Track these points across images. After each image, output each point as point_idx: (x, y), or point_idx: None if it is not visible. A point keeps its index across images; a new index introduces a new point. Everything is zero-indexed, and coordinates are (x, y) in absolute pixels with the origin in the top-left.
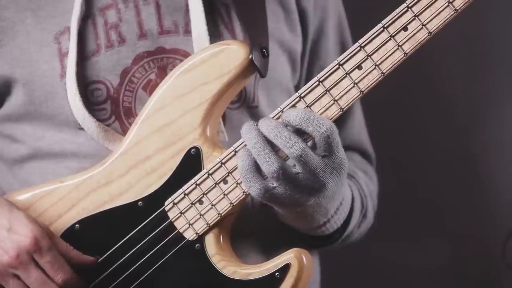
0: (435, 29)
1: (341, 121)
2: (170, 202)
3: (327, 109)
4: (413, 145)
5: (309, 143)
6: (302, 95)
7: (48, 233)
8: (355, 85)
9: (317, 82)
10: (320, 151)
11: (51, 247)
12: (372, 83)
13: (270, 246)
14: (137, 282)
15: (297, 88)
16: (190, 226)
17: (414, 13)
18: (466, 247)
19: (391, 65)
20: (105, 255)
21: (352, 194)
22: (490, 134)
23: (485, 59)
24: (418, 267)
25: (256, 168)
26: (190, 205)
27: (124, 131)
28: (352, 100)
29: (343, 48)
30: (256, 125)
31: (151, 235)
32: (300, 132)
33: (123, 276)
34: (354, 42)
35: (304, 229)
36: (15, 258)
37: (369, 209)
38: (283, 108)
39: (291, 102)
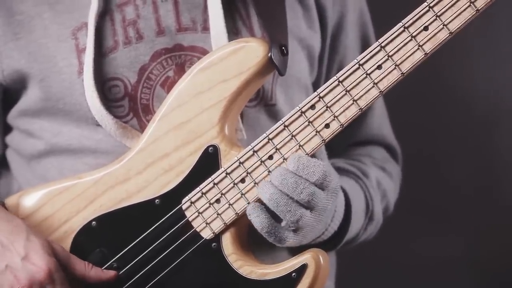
0: (456, 29)
1: (360, 115)
2: (187, 201)
3: (346, 109)
4: (433, 139)
5: None
6: (321, 95)
7: (65, 257)
8: (375, 85)
9: (337, 82)
10: (319, 187)
11: (64, 280)
12: (392, 83)
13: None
14: (153, 281)
15: (314, 85)
16: (207, 225)
17: (435, 12)
18: (482, 240)
19: (411, 65)
20: (121, 253)
21: (348, 198)
22: (508, 128)
23: (506, 51)
24: (434, 258)
25: (275, 219)
26: (208, 204)
27: (142, 128)
28: (372, 100)
29: (364, 43)
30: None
31: (167, 234)
32: None
33: (140, 274)
34: (377, 38)
35: (305, 243)
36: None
37: (376, 211)
38: (302, 107)
39: (309, 101)
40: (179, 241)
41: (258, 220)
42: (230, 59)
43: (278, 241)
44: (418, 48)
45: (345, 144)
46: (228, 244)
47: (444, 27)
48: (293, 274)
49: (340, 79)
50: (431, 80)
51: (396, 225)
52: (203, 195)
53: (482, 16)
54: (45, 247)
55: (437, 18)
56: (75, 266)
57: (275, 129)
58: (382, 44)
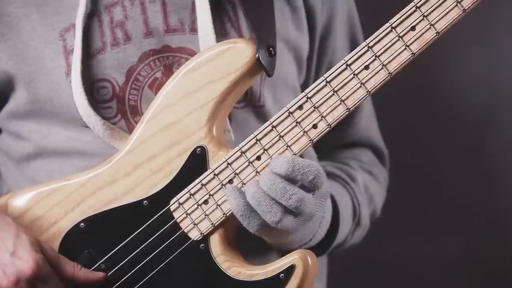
0: (443, 29)
1: (348, 117)
2: (175, 202)
3: (333, 109)
4: (429, 142)
5: None
6: (309, 95)
7: (54, 256)
8: (362, 85)
9: (324, 82)
10: (309, 190)
11: (52, 276)
12: (380, 83)
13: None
14: (141, 282)
15: (303, 87)
16: (195, 226)
17: (422, 12)
18: (481, 242)
19: (398, 65)
20: (109, 254)
21: (336, 204)
22: (505, 131)
23: (500, 53)
24: (431, 260)
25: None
26: (196, 205)
27: (130, 130)
28: (359, 101)
29: (353, 43)
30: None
31: (156, 235)
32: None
33: (128, 275)
34: (365, 39)
35: (292, 248)
36: (14, 283)
37: (363, 216)
38: (289, 108)
39: (297, 102)
40: (167, 242)
41: (235, 203)
42: (218, 60)
43: (250, 228)
44: (405, 48)
45: (332, 146)
46: (216, 245)
47: (431, 27)
48: (281, 275)
49: (328, 79)
50: (422, 81)
51: (391, 226)
52: (191, 196)
53: (475, 16)
54: (33, 244)
55: (424, 18)
56: (64, 266)
57: (263, 130)
58: (370, 44)
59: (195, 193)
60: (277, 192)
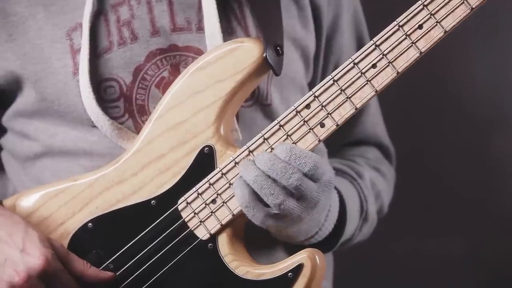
0: (450, 27)
1: (355, 115)
2: (183, 201)
3: (341, 108)
4: (434, 139)
5: None
6: (316, 94)
7: (64, 252)
8: (369, 83)
9: (332, 81)
10: (309, 179)
11: (62, 271)
12: (387, 82)
13: (282, 245)
14: (149, 282)
15: (310, 85)
16: (203, 225)
17: (429, 11)
18: (484, 240)
19: (406, 64)
20: (117, 254)
21: (342, 198)
22: (508, 127)
23: (507, 51)
24: (434, 258)
25: (257, 196)
26: (204, 204)
27: (137, 129)
28: (367, 99)
29: (359, 42)
30: (253, 161)
31: (164, 234)
32: None
33: (135, 275)
34: (371, 37)
35: (298, 242)
36: (25, 280)
37: (370, 211)
38: (297, 107)
39: (304, 101)
40: (175, 242)
41: (240, 194)
42: (225, 59)
43: (256, 220)
44: (412, 46)
45: (339, 144)
46: (224, 245)
47: (438, 24)
48: (289, 274)
49: (335, 78)
50: (429, 78)
51: (396, 225)
52: (199, 196)
53: (481, 15)
54: (43, 240)
55: (431, 16)
56: (74, 263)
57: (270, 129)
58: (377, 43)
59: (203, 192)
60: (277, 172)
